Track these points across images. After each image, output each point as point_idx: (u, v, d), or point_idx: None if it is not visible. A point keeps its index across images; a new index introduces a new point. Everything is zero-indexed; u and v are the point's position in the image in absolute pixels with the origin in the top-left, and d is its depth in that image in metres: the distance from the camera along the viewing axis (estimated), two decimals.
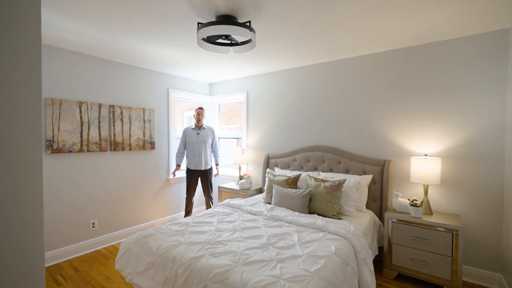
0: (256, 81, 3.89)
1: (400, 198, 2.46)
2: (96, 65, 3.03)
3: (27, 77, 0.93)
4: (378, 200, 2.74)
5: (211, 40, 2.15)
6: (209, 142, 3.80)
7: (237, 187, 3.67)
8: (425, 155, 2.44)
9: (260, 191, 3.70)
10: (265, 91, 3.80)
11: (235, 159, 3.78)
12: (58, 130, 2.72)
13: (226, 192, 3.76)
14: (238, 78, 4.11)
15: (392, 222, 2.38)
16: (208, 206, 3.86)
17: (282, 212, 2.43)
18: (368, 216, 2.51)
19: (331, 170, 3.07)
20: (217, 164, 3.94)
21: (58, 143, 2.72)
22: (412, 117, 2.61)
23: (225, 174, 4.31)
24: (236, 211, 2.58)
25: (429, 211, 2.36)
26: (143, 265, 1.80)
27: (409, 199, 2.40)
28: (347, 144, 3.04)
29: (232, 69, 3.59)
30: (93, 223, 3.05)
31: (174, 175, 3.70)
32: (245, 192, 3.51)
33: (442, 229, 2.15)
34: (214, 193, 4.40)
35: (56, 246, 2.76)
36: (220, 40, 2.35)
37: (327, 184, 2.51)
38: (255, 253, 1.67)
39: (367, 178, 2.71)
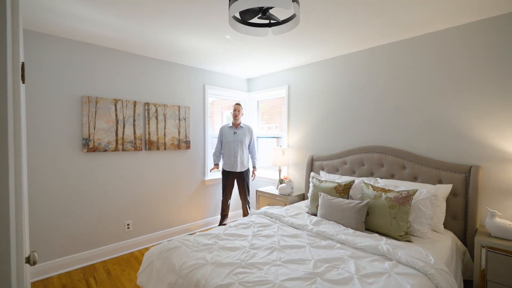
0: (298, 73, 3.46)
1: (497, 219, 1.81)
2: (131, 61, 2.94)
3: None
4: (460, 218, 2.09)
5: (245, 20, 1.81)
6: (246, 142, 3.50)
7: (276, 192, 3.29)
8: None
9: (302, 197, 3.26)
10: (308, 84, 3.34)
11: (274, 160, 3.40)
12: (94, 128, 2.67)
13: (264, 197, 3.40)
14: (278, 72, 3.73)
15: (488, 251, 1.74)
16: (245, 211, 3.56)
17: (331, 228, 1.97)
18: (448, 240, 1.90)
19: (392, 177, 2.49)
20: (254, 167, 3.61)
21: (93, 142, 2.67)
22: None
23: (264, 177, 3.96)
24: (275, 222, 2.20)
25: None
26: (165, 285, 1.53)
27: None
28: (415, 145, 2.43)
29: (271, 60, 3.21)
30: (128, 224, 2.96)
31: (210, 170, 3.51)
32: (285, 198, 3.11)
33: None
34: (252, 197, 4.08)
35: (92, 247, 2.71)
36: (255, 21, 2.00)
37: (390, 194, 1.97)
38: (298, 287, 1.26)
39: (445, 189, 2.09)
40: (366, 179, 2.47)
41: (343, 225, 2.02)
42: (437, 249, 1.73)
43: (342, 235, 1.82)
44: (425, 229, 1.93)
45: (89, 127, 2.64)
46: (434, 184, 2.21)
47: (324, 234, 1.88)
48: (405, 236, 1.85)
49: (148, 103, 3.05)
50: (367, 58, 2.75)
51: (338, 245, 1.73)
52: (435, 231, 2.03)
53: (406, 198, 1.90)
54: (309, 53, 2.93)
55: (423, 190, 2.04)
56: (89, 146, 2.64)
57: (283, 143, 3.71)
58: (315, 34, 2.38)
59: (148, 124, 3.06)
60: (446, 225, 2.14)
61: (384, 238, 1.78)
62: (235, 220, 2.26)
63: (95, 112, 2.67)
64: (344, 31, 2.31)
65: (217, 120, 4.72)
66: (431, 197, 1.99)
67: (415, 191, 1.93)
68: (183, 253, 1.64)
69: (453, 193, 2.13)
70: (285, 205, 3.09)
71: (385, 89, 2.62)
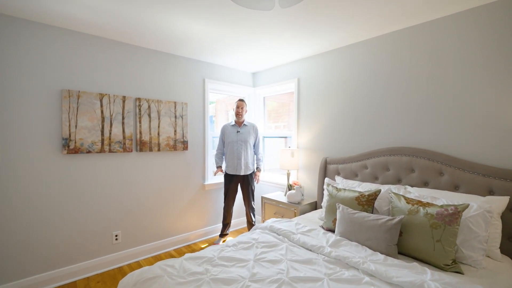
0: (310, 64, 3.04)
1: None
2: (119, 51, 2.59)
3: None
4: None
5: None
6: (251, 141, 3.12)
7: (284, 199, 2.89)
8: None
9: (314, 206, 2.84)
10: (321, 76, 2.93)
11: (282, 163, 2.99)
12: (76, 127, 2.33)
13: (270, 205, 3.00)
14: (287, 63, 3.32)
15: None
16: (249, 219, 3.18)
17: (355, 252, 1.55)
18: (510, 270, 1.46)
19: (425, 185, 2.05)
20: (257, 169, 3.22)
21: (75, 142, 2.33)
22: None
23: (270, 181, 3.55)
24: (283, 241, 1.79)
25: None
26: None
27: None
28: (455, 146, 1.98)
29: (279, 49, 2.81)
30: (116, 235, 2.62)
31: (214, 174, 3.14)
32: (295, 206, 2.70)
33: None
34: (257, 204, 3.68)
35: (74, 261, 2.38)
36: None
37: (431, 210, 1.54)
38: None
39: (500, 202, 1.64)
40: (394, 188, 2.04)
41: (370, 248, 1.60)
42: (501, 286, 1.29)
43: (370, 263, 1.40)
44: (479, 255, 1.49)
45: (69, 125, 2.30)
46: (483, 195, 1.76)
47: (346, 261, 1.46)
48: (453, 265, 1.42)
49: (139, 99, 2.70)
50: (391, 43, 2.32)
51: (366, 278, 1.31)
52: (489, 256, 1.59)
53: (453, 216, 1.47)
54: (323, 39, 2.51)
55: (474, 204, 1.60)
56: (69, 147, 2.30)
57: (292, 143, 3.31)
58: (330, 13, 1.97)
59: (140, 122, 2.71)
60: (502, 249, 1.69)
61: (427, 269, 1.35)
62: (237, 229, 1.85)
63: (77, 108, 2.34)
64: (368, 8, 1.89)
65: (221, 119, 4.37)
66: (485, 214, 1.55)
67: (465, 206, 1.49)
68: (164, 286, 1.26)
69: (509, 208, 1.68)
70: (295, 215, 2.69)
71: (414, 78, 2.18)
